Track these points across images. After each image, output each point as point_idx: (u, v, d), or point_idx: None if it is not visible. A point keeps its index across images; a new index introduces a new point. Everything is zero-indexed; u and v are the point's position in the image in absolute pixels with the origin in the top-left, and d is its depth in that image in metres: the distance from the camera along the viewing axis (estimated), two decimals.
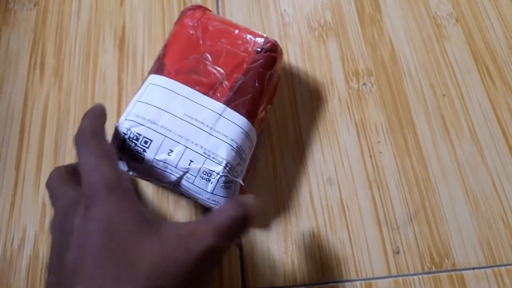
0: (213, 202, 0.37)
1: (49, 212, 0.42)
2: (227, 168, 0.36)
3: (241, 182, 0.38)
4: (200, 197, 0.37)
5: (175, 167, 0.36)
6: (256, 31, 0.42)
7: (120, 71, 0.49)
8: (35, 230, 0.42)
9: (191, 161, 0.36)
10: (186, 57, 0.40)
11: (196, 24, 0.42)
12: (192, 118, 0.37)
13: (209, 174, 0.36)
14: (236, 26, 0.42)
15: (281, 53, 0.43)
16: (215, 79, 0.39)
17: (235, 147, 0.37)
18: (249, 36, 0.41)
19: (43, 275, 0.40)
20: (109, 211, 0.26)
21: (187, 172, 0.36)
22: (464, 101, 0.50)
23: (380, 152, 0.47)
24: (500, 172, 0.46)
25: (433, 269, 0.42)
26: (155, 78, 0.39)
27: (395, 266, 0.42)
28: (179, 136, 0.36)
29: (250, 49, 0.41)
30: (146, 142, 0.37)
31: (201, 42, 0.41)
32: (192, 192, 0.37)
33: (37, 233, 0.41)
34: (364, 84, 0.50)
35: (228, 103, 0.38)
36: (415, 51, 0.52)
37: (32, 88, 0.48)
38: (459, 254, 0.42)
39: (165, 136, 0.36)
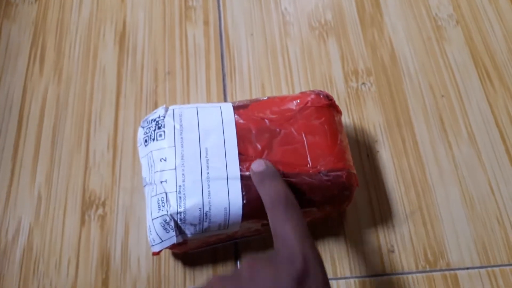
0: (148, 229, 0.36)
1: (45, 204, 0.42)
2: (178, 216, 0.34)
3: (174, 240, 0.35)
4: (147, 214, 0.36)
5: (153, 172, 0.36)
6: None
7: (120, 66, 0.49)
8: (30, 221, 0.42)
9: (166, 180, 0.35)
10: (267, 119, 0.39)
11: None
12: (206, 156, 0.36)
13: (163, 203, 0.35)
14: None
15: None
16: (260, 154, 0.37)
17: (204, 212, 0.35)
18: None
19: (36, 267, 0.40)
20: None
21: (154, 183, 0.36)
22: (463, 103, 0.50)
23: (378, 152, 0.47)
24: (497, 173, 0.46)
25: (427, 268, 0.42)
26: (227, 105, 0.39)
27: (390, 265, 0.41)
28: (181, 155, 0.36)
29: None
30: (159, 127, 0.37)
31: (291, 121, 0.39)
32: (147, 203, 0.36)
33: (31, 225, 0.42)
34: (363, 83, 0.50)
35: (243, 179, 0.36)
36: (415, 52, 0.52)
37: (31, 81, 0.48)
38: (454, 254, 0.42)
39: (175, 145, 0.36)
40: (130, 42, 0.51)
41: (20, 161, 0.44)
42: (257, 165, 0.35)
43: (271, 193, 0.33)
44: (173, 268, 0.40)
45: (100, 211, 0.42)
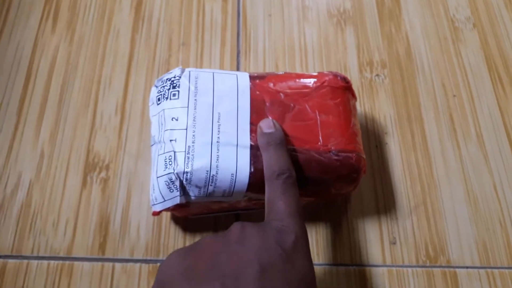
0: (151, 188, 0.35)
1: (47, 162, 0.41)
2: (185, 175, 0.34)
3: (178, 200, 0.34)
4: (152, 173, 0.36)
5: (163, 130, 0.35)
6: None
7: (134, 32, 0.48)
8: (30, 178, 0.41)
9: (175, 140, 0.35)
10: (282, 93, 0.38)
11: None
12: (218, 121, 0.36)
13: (170, 162, 0.34)
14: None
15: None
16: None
17: (211, 176, 0.34)
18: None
19: (33, 224, 0.39)
20: (307, 268, 0.28)
21: (163, 142, 0.35)
22: (474, 104, 0.49)
23: (386, 144, 0.46)
24: (502, 177, 0.46)
25: (428, 263, 0.41)
26: (243, 75, 0.39)
27: (390, 256, 0.41)
28: (193, 116, 0.35)
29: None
30: (174, 87, 0.37)
31: (306, 98, 0.38)
32: (153, 161, 0.36)
33: (32, 181, 0.41)
34: (377, 75, 0.50)
35: (252, 148, 0.35)
36: (430, 49, 0.52)
37: (42, 38, 0.47)
38: (455, 251, 0.42)
39: (188, 106, 0.36)
40: (146, 9, 0.50)
41: (25, 116, 0.43)
42: (267, 125, 0.35)
43: (273, 164, 0.33)
44: (173, 237, 0.40)
45: (103, 174, 0.41)
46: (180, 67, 0.38)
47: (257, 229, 0.29)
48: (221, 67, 0.48)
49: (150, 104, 0.38)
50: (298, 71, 0.49)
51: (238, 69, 0.48)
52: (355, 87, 0.48)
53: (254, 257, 0.27)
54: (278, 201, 0.31)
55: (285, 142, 0.35)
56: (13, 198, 0.40)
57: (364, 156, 0.38)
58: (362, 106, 0.48)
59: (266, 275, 0.26)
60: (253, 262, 0.26)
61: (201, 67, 0.47)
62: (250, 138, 0.35)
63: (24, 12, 0.48)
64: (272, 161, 0.33)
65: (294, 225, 0.29)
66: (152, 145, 0.37)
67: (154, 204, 0.35)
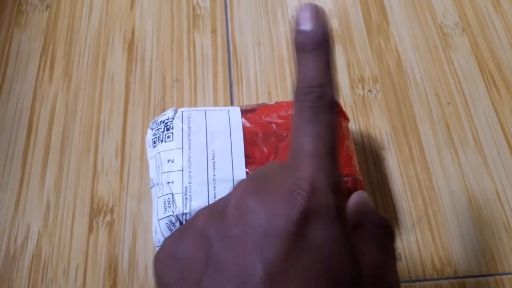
0: (153, 230, 0.36)
1: (54, 211, 0.43)
2: (184, 217, 0.34)
3: None
4: (153, 215, 0.36)
5: (161, 173, 0.36)
6: None
7: (128, 74, 0.50)
8: (38, 228, 0.42)
9: (173, 182, 0.35)
10: (274, 124, 0.39)
11: None
12: (213, 158, 0.36)
13: (169, 204, 0.35)
14: None
15: None
16: (266, 158, 0.37)
17: None
18: None
19: (44, 274, 0.40)
20: (331, 244, 0.20)
21: (161, 184, 0.36)
22: (469, 110, 0.50)
23: (384, 159, 0.47)
24: (504, 181, 0.46)
25: (435, 276, 0.41)
26: (235, 109, 0.39)
27: None
28: (189, 157, 0.36)
29: None
30: (168, 129, 0.37)
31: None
32: (153, 203, 0.37)
33: (40, 232, 0.42)
34: (369, 91, 0.50)
35: None
36: (421, 59, 0.52)
37: (40, 88, 0.49)
38: (461, 261, 0.42)
39: (182, 147, 0.37)
40: (138, 50, 0.51)
41: (29, 168, 0.45)
42: (303, 17, 0.22)
43: (302, 77, 0.22)
44: None
45: (108, 217, 0.43)
46: (173, 108, 0.39)
47: (260, 200, 0.20)
48: (215, 99, 0.49)
49: (147, 146, 0.39)
50: (291, 95, 0.49)
51: (231, 100, 0.49)
52: (347, 105, 0.49)
53: (256, 251, 0.19)
54: (300, 134, 0.21)
55: (331, 46, 0.22)
56: (24, 250, 0.41)
57: (361, 178, 0.39)
58: (356, 124, 0.48)
59: (273, 276, 0.19)
60: (255, 261, 0.19)
61: (195, 102, 0.48)
62: (246, 172, 0.36)
63: (22, 64, 0.50)
64: (302, 73, 0.22)
65: (316, 172, 0.20)
66: (151, 187, 0.38)
67: (158, 246, 0.36)
